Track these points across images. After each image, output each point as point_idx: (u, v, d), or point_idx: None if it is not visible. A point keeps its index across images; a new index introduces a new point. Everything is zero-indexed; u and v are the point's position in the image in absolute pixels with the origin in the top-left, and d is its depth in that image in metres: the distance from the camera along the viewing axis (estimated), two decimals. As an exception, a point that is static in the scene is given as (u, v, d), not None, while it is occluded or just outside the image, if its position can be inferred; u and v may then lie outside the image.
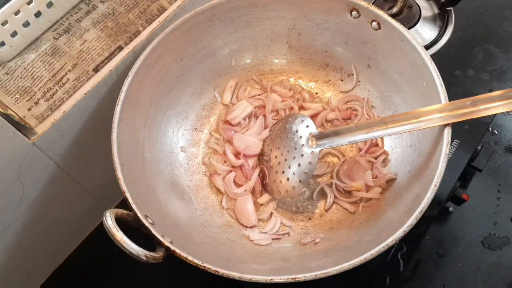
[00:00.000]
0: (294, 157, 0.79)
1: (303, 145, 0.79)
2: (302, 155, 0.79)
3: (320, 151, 0.79)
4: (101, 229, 0.60)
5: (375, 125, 0.74)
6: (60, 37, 0.81)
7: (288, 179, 0.79)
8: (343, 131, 0.77)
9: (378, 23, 0.80)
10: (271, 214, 0.83)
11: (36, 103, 0.75)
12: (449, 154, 0.84)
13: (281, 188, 0.79)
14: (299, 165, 0.78)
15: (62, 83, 0.77)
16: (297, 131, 0.81)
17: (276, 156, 0.82)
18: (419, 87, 0.76)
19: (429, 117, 0.69)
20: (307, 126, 0.80)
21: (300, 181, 0.77)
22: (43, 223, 0.82)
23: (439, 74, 0.72)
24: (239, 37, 0.90)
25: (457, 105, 0.68)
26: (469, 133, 0.91)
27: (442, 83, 0.71)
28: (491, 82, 0.98)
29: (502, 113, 1.01)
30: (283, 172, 0.80)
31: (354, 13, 0.82)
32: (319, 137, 0.79)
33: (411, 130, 0.72)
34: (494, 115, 0.93)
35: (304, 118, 0.82)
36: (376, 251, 0.60)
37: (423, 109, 0.70)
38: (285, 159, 0.80)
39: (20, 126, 0.70)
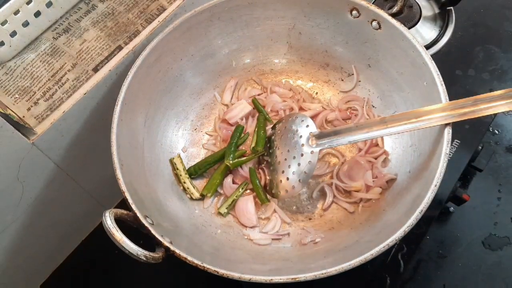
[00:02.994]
0: (294, 157, 0.79)
1: (303, 144, 0.79)
2: (302, 154, 0.78)
3: (320, 151, 0.79)
4: (100, 229, 0.60)
5: (375, 124, 0.74)
6: (59, 36, 0.81)
7: (287, 178, 0.78)
8: (343, 130, 0.77)
9: (378, 23, 0.79)
10: (272, 213, 0.83)
11: (35, 103, 0.75)
12: (450, 154, 0.84)
13: (281, 188, 0.79)
14: (298, 164, 0.78)
15: (62, 83, 0.77)
16: (297, 130, 0.81)
17: (276, 156, 0.82)
18: (419, 86, 0.76)
19: (430, 116, 0.69)
20: (307, 126, 0.80)
21: (299, 180, 0.77)
22: (43, 223, 0.82)
23: (439, 73, 0.71)
24: (239, 37, 0.90)
25: (458, 104, 0.68)
26: (469, 133, 0.90)
27: (443, 83, 0.71)
28: (492, 81, 0.97)
29: (503, 113, 1.01)
30: (283, 171, 0.79)
31: (354, 12, 0.81)
32: (319, 136, 0.79)
33: (412, 130, 0.71)
34: (495, 115, 0.93)
35: (304, 118, 0.82)
36: (376, 251, 0.60)
37: (423, 109, 0.70)
38: (285, 159, 0.80)
39: (20, 126, 0.70)
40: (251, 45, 0.92)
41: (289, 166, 0.79)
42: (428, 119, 0.69)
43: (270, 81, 0.95)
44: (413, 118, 0.70)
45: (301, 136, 0.80)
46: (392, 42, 0.79)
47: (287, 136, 0.82)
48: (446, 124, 0.68)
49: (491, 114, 0.66)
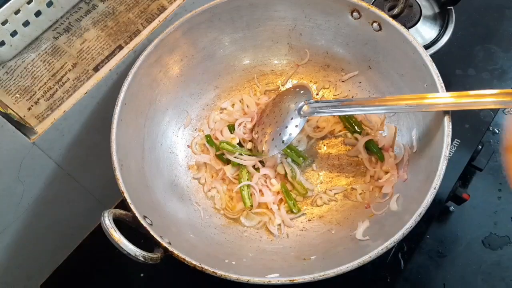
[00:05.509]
0: (284, 120, 0.82)
1: (296, 110, 0.82)
2: (291, 118, 0.82)
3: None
4: (101, 229, 0.60)
5: (372, 101, 0.76)
6: (60, 36, 0.81)
7: (272, 139, 0.82)
8: (338, 104, 0.79)
9: (379, 24, 0.79)
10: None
11: (36, 102, 0.75)
12: (450, 154, 0.84)
13: (264, 146, 0.84)
14: (286, 127, 0.82)
15: (62, 83, 0.77)
16: (295, 98, 0.84)
17: (270, 117, 0.86)
18: (419, 88, 0.75)
19: (430, 101, 0.69)
20: (305, 94, 0.83)
21: (282, 141, 0.81)
22: (43, 222, 0.83)
23: (439, 76, 0.71)
24: (240, 37, 0.90)
25: (457, 93, 0.68)
26: (469, 133, 0.90)
27: (443, 85, 0.71)
28: (492, 81, 0.97)
29: (503, 112, 1.01)
30: (270, 132, 0.83)
31: (355, 14, 0.81)
32: (313, 105, 0.81)
33: (409, 111, 0.73)
34: (495, 114, 0.93)
35: (304, 89, 0.84)
36: (375, 253, 0.60)
37: (425, 94, 0.71)
38: (276, 121, 0.84)
39: (20, 126, 0.70)
40: (251, 45, 0.92)
41: (277, 128, 0.82)
42: (429, 104, 0.70)
43: (268, 82, 0.95)
44: (414, 100, 0.71)
45: (296, 103, 0.83)
46: (392, 43, 0.79)
47: (286, 102, 0.85)
48: (445, 113, 0.68)
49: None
